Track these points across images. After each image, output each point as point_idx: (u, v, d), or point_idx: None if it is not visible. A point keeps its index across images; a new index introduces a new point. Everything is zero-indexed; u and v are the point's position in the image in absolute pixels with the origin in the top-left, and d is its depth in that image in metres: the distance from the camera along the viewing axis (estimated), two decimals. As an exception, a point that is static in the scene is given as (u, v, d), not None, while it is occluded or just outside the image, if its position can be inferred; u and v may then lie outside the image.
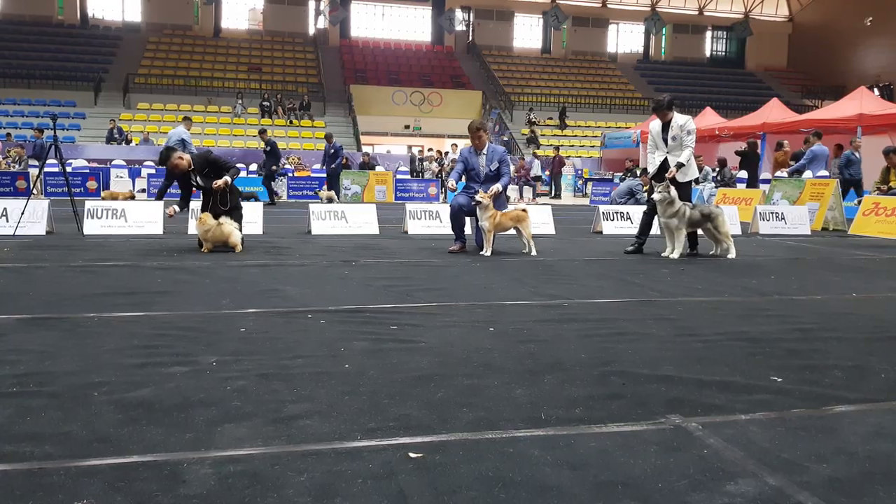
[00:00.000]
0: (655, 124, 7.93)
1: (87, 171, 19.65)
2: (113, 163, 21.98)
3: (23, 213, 8.77)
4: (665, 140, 7.79)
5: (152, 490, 2.03)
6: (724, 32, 45.16)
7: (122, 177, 20.48)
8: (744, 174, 17.13)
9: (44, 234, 8.86)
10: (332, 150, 18.07)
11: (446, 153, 24.05)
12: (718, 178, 17.28)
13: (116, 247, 7.79)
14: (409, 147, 32.84)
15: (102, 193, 16.14)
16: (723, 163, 17.75)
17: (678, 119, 7.75)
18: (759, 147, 17.80)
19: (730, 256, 7.79)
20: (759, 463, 2.29)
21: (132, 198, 14.95)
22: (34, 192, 12.95)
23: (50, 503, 1.95)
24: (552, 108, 35.60)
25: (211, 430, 2.49)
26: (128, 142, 25.71)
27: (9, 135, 23.62)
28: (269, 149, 16.75)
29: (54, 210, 9.36)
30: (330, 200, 15.83)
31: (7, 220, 8.80)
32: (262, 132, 17.44)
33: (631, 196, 14.63)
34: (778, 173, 15.87)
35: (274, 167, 17.13)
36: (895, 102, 22.94)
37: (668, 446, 2.42)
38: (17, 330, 3.90)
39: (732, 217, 10.31)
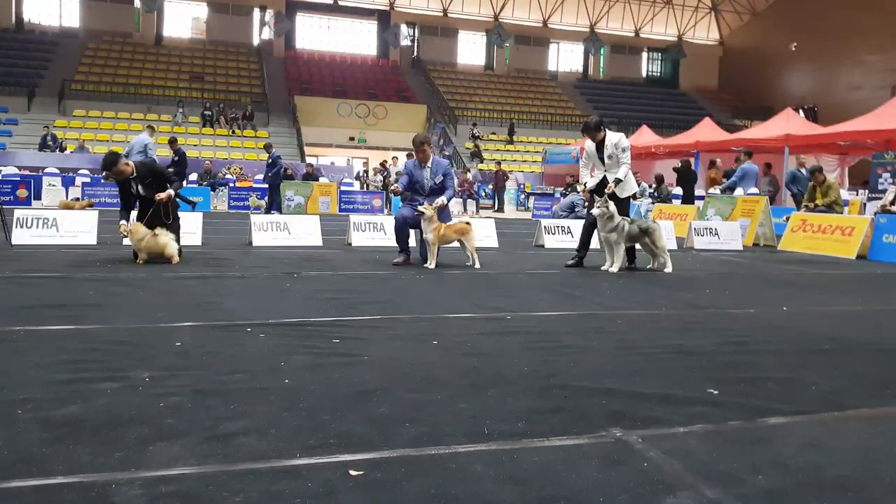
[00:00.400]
0: (590, 144, 8.08)
1: (18, 178, 18.85)
2: (46, 171, 21.15)
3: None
4: (601, 159, 7.95)
5: (78, 514, 1.93)
6: (659, 54, 46.78)
7: (54, 185, 19.71)
8: (679, 190, 17.68)
9: (-34, 243, 8.44)
10: (271, 160, 17.86)
11: (384, 162, 24.10)
12: (655, 194, 17.76)
13: (47, 257, 7.47)
14: (349, 160, 32.72)
15: (59, 202, 15.54)
16: (660, 179, 18.27)
17: (612, 137, 7.93)
18: (693, 165, 18.42)
19: (666, 270, 7.99)
20: (698, 476, 2.33)
21: (91, 206, 14.43)
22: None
23: (-36, 530, 1.83)
24: (496, 124, 36.04)
25: (142, 449, 2.39)
26: (62, 149, 24.79)
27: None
28: (176, 158, 16.13)
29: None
30: (257, 208, 15.47)
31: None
32: (172, 141, 16.67)
33: (572, 210, 14.89)
34: (711, 190, 16.42)
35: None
36: (819, 124, 24.05)
37: (610, 460, 2.44)
38: (-66, 345, 3.68)
39: (669, 232, 10.59)
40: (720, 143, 20.46)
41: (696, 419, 2.89)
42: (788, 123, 18.68)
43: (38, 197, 18.81)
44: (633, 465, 2.39)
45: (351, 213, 15.13)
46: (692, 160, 19.05)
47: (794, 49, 40.21)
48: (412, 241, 8.25)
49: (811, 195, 12.57)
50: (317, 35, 41.29)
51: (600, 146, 7.92)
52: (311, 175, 21.63)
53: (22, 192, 17.57)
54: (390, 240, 9.03)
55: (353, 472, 2.26)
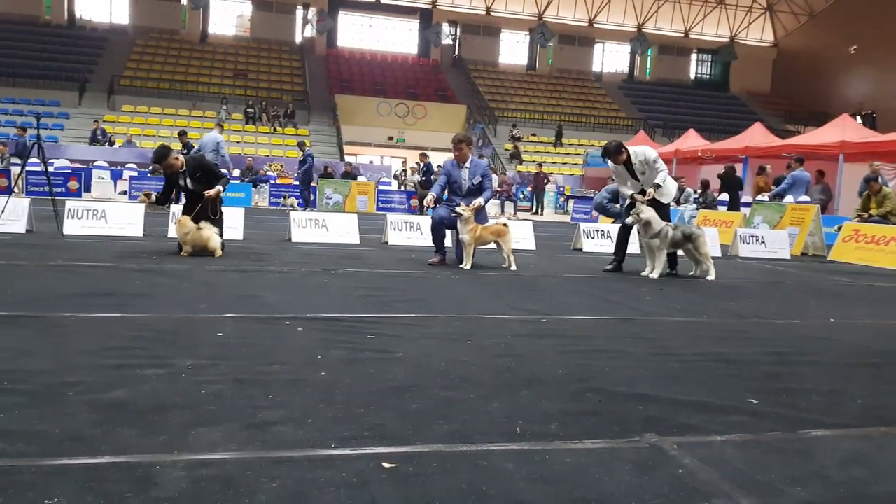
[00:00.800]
0: (616, 165, 7.92)
1: (70, 170, 19.44)
2: (95, 164, 21.77)
3: (2, 211, 8.64)
4: (634, 176, 7.85)
5: (123, 491, 2.00)
6: (710, 55, 45.82)
7: (104, 178, 20.30)
8: (725, 197, 17.35)
9: (23, 232, 8.74)
10: (303, 157, 18.28)
11: (423, 155, 24.22)
12: (700, 199, 17.47)
13: (96, 247, 7.69)
14: (381, 158, 32.83)
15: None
16: (705, 185, 17.95)
17: (636, 153, 7.76)
18: (741, 171, 18.03)
19: (709, 278, 7.87)
20: (734, 484, 2.30)
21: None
22: (15, 190, 12.79)
23: (21, 501, 1.91)
24: (536, 125, 35.85)
25: (185, 434, 2.46)
26: (111, 143, 25.47)
27: (-8, 132, 23.33)
28: (185, 151, 16.23)
29: (35, 209, 9.24)
30: (291, 207, 15.58)
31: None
32: (182, 134, 16.84)
33: (615, 200, 14.52)
34: (759, 197, 16.09)
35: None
36: (877, 131, 23.35)
37: (643, 465, 2.43)
38: (-11, 327, 3.83)
39: (713, 239, 10.42)
40: (771, 148, 19.98)
41: (734, 428, 2.86)
42: (844, 130, 18.14)
43: (87, 189, 19.38)
44: (668, 471, 2.38)
45: (388, 212, 15.23)
46: (737, 166, 18.67)
47: (853, 52, 39.02)
48: (448, 242, 8.27)
49: (865, 205, 12.24)
50: (358, 33, 41.63)
51: (628, 165, 7.80)
52: (350, 173, 21.86)
53: (73, 184, 18.12)
54: (426, 239, 9.08)
55: (385, 465, 2.29)
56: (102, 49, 34.60)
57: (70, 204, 9.28)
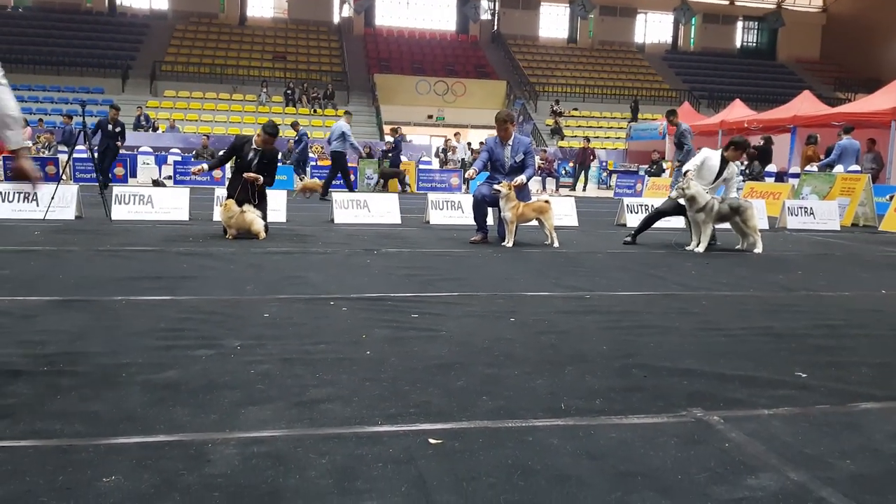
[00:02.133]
0: (715, 154, 7.87)
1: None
2: (140, 149, 22.23)
3: (52, 198, 8.92)
4: (719, 176, 7.84)
5: (178, 468, 2.07)
6: (756, 23, 44.28)
7: (148, 163, 20.73)
8: (772, 168, 16.90)
9: (73, 218, 9.00)
10: (297, 137, 18.56)
11: (457, 134, 23.96)
12: (747, 171, 17.05)
13: (143, 232, 7.90)
14: (429, 137, 32.70)
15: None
16: (752, 156, 17.50)
17: (733, 169, 7.85)
18: (788, 141, 17.52)
19: (756, 251, 7.70)
20: (782, 458, 2.28)
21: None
22: (63, 177, 13.14)
23: (79, 479, 1.99)
24: (577, 99, 35.29)
25: (235, 412, 2.53)
26: (154, 129, 25.97)
27: (40, 121, 23.96)
28: (119, 129, 15.51)
29: (83, 195, 9.51)
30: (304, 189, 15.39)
31: (38, 205, 8.96)
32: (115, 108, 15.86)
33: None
34: (808, 168, 15.63)
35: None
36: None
37: (689, 439, 2.41)
38: (48, 311, 3.99)
39: (760, 211, 10.17)
40: (820, 117, 19.28)
41: (781, 402, 2.81)
42: (896, 96, 17.44)
43: (133, 174, 19.84)
44: (714, 445, 2.36)
45: (429, 192, 15.24)
46: (783, 137, 18.10)
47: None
48: (490, 220, 8.25)
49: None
50: (396, 11, 41.41)
51: (724, 163, 7.82)
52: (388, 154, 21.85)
53: (119, 171, 18.54)
54: (468, 218, 9.07)
55: (432, 441, 2.32)
56: (143, 35, 35.16)
57: (117, 190, 9.53)
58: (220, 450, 2.21)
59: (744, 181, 16.00)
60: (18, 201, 9.02)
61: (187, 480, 2.00)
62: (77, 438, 2.27)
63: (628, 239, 8.22)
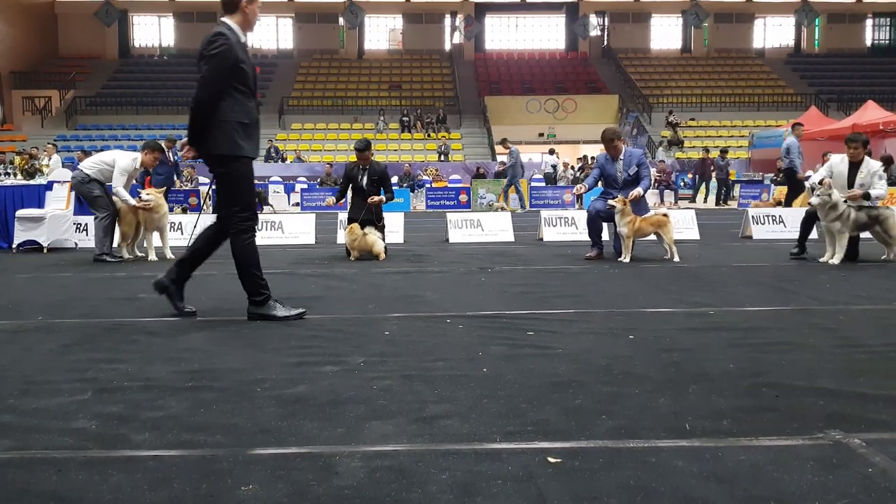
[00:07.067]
0: (841, 160, 7.48)
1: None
2: (271, 179, 23.59)
3: (195, 227, 9.61)
4: (851, 182, 7.37)
5: (309, 479, 2.18)
6: (888, 19, 41.12)
7: (278, 192, 22.01)
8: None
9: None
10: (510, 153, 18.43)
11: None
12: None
13: (274, 255, 8.37)
14: (541, 156, 32.53)
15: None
16: (887, 161, 16.21)
17: (871, 165, 7.36)
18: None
19: (900, 262, 7.12)
20: (935, 485, 2.10)
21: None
22: (204, 207, 14.16)
23: (220, 487, 2.14)
24: (694, 109, 34.11)
25: (360, 426, 2.63)
26: (283, 160, 27.53)
27: (184, 156, 26.05)
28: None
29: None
30: (502, 208, 15.35)
31: (182, 233, 9.77)
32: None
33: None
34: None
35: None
36: None
37: (827, 463, 2.27)
38: (190, 330, 4.32)
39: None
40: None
41: (933, 425, 2.59)
42: None
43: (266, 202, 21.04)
44: (855, 470, 2.21)
45: (542, 209, 15.16)
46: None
47: None
48: (605, 235, 8.11)
49: None
50: (505, 34, 41.79)
51: (855, 167, 7.37)
52: (502, 173, 21.96)
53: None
54: (582, 234, 8.96)
55: (551, 459, 2.31)
56: (272, 73, 37.39)
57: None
58: (347, 462, 2.31)
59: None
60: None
61: (317, 491, 2.10)
62: (218, 449, 2.44)
63: (795, 251, 7.74)
